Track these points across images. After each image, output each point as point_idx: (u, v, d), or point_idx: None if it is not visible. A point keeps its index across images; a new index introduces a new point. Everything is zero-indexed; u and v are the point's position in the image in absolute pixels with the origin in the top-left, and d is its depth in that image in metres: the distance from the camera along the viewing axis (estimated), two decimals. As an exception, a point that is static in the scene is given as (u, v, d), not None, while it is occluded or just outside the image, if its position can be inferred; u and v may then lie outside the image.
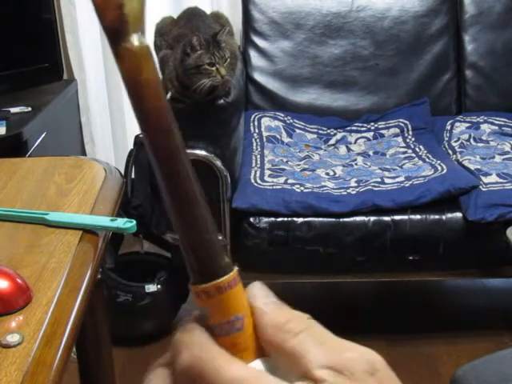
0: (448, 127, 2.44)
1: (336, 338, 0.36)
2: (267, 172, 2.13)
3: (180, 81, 1.92)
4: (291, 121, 2.48)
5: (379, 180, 2.07)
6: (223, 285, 0.36)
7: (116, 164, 2.66)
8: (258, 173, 2.12)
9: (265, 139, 2.38)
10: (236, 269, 0.37)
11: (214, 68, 1.88)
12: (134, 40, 0.32)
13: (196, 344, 0.35)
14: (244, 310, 0.37)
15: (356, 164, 2.26)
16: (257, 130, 2.42)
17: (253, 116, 2.47)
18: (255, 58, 2.56)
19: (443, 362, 2.03)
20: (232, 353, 0.36)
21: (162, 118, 0.35)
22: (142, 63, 0.33)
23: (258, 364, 0.36)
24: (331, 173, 2.17)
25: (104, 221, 0.94)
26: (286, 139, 2.42)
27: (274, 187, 2.01)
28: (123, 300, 2.06)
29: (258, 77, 2.55)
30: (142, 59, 0.33)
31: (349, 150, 2.39)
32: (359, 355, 0.36)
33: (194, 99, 1.91)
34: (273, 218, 1.94)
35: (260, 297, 0.38)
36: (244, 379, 0.33)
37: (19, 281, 0.78)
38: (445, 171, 2.06)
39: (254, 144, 2.34)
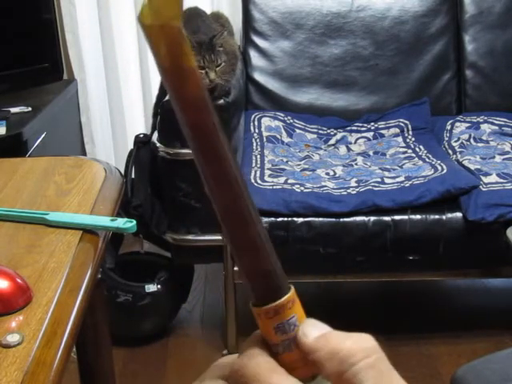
0: (448, 127, 2.44)
1: (399, 378, 0.36)
2: (267, 172, 2.13)
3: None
4: (291, 121, 2.48)
5: (379, 180, 2.07)
6: (283, 305, 0.37)
7: (116, 164, 2.66)
8: (258, 173, 2.12)
9: (265, 139, 2.38)
10: (293, 288, 0.37)
11: (203, 71, 1.88)
12: (181, 26, 0.32)
13: (249, 354, 0.36)
14: None
15: (356, 164, 2.26)
16: (257, 130, 2.42)
17: (253, 116, 2.47)
18: (255, 58, 2.56)
19: (443, 361, 2.03)
20: (290, 370, 0.36)
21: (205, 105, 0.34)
22: (187, 49, 0.33)
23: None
24: (331, 173, 2.17)
25: (104, 221, 0.94)
26: (286, 139, 2.42)
27: (274, 187, 2.01)
28: (123, 300, 2.06)
29: (258, 77, 2.55)
30: (186, 45, 0.33)
31: (349, 149, 2.39)
32: None
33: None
34: (273, 218, 1.94)
35: (319, 327, 0.38)
36: None
37: (19, 281, 0.78)
38: (445, 171, 2.06)
39: (254, 144, 2.34)
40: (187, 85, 0.33)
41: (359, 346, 0.36)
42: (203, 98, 0.33)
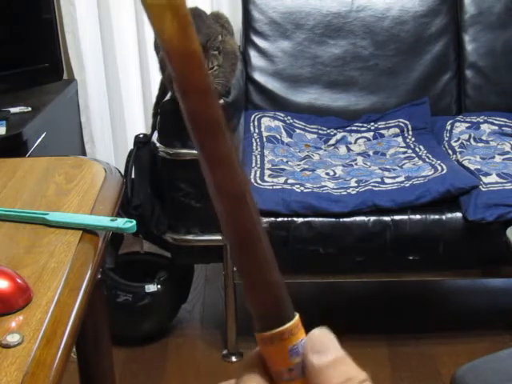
0: (448, 127, 2.44)
1: None
2: (267, 172, 2.13)
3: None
4: (291, 121, 2.48)
5: (379, 180, 2.07)
6: (287, 331, 0.36)
7: (116, 164, 2.66)
8: (258, 173, 2.12)
9: (265, 139, 2.38)
10: (297, 315, 0.37)
11: None
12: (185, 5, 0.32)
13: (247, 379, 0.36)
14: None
15: (356, 164, 2.25)
16: (257, 130, 2.42)
17: (253, 116, 2.47)
18: (255, 58, 2.56)
19: (443, 361, 2.03)
20: None
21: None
22: (191, 31, 0.33)
23: None
24: (331, 173, 2.17)
25: (104, 221, 0.94)
26: (286, 139, 2.42)
27: (274, 187, 2.01)
28: (123, 300, 2.06)
29: (258, 77, 2.55)
30: (191, 27, 0.33)
31: (349, 149, 2.39)
32: None
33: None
34: (273, 218, 1.94)
35: (322, 350, 0.36)
36: None
37: (19, 281, 0.78)
38: (445, 171, 2.05)
39: (254, 144, 2.34)
40: (190, 68, 0.33)
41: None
42: (206, 82, 0.33)
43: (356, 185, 2.05)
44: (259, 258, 0.36)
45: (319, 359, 0.35)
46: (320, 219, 1.95)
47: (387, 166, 2.21)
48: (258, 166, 2.18)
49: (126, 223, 0.92)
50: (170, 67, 0.32)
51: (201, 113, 0.34)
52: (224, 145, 0.34)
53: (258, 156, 2.25)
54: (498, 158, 2.20)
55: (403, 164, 2.21)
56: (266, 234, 0.36)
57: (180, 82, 0.33)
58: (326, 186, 2.04)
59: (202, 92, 0.33)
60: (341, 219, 1.95)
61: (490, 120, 2.45)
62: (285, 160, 2.25)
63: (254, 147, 2.31)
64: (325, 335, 0.36)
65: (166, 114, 1.98)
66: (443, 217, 1.95)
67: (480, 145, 2.32)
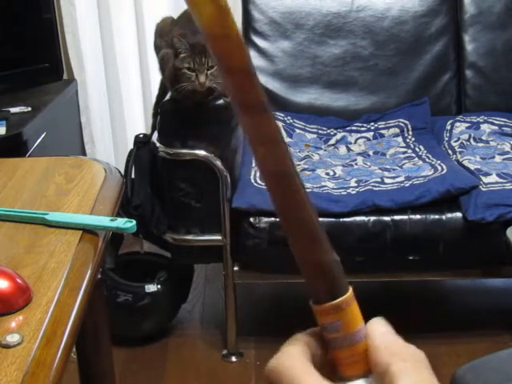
0: (448, 127, 2.44)
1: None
2: (267, 172, 2.13)
3: (176, 81, 1.92)
4: (291, 121, 2.48)
5: (379, 180, 2.07)
6: (349, 299, 0.40)
7: (116, 164, 2.66)
8: (258, 173, 2.12)
9: (265, 139, 2.37)
10: (351, 287, 0.41)
11: (193, 73, 1.87)
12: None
13: (286, 353, 0.38)
14: (363, 323, 0.41)
15: (356, 164, 2.25)
16: (257, 130, 2.41)
17: (253, 116, 2.47)
18: (255, 58, 2.56)
19: (443, 361, 2.03)
20: (347, 364, 0.39)
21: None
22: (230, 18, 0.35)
23: (360, 383, 0.40)
24: (331, 173, 2.17)
25: (104, 221, 0.94)
26: (286, 139, 2.42)
27: (274, 187, 2.01)
28: (123, 300, 2.06)
29: (257, 77, 2.55)
30: (230, 15, 0.34)
31: (349, 149, 2.39)
32: None
33: (194, 99, 1.91)
34: (273, 218, 1.94)
35: (382, 327, 0.42)
36: None
37: (19, 281, 0.78)
38: (445, 171, 2.05)
39: (254, 144, 2.33)
40: (229, 49, 0.34)
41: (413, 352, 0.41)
42: (246, 63, 0.35)
43: (356, 185, 2.05)
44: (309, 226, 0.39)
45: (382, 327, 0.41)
46: (320, 219, 1.94)
47: (387, 166, 2.21)
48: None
49: (125, 223, 0.92)
50: (211, 51, 0.34)
51: (244, 92, 0.35)
52: (267, 121, 0.36)
53: (258, 156, 2.25)
54: (497, 158, 2.20)
55: (403, 164, 2.21)
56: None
57: (221, 64, 0.35)
58: (325, 186, 2.04)
59: (244, 72, 0.35)
60: (341, 219, 1.95)
61: (490, 120, 2.45)
62: (285, 160, 2.25)
63: (254, 147, 2.31)
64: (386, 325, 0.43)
65: (166, 114, 1.98)
66: (443, 217, 1.95)
67: (480, 145, 2.32)
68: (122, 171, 2.11)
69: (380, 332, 0.40)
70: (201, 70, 1.86)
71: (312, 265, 0.39)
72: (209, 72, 1.86)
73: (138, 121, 2.77)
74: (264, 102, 0.36)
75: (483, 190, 1.96)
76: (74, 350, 1.16)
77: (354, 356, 0.40)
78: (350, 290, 0.40)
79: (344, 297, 0.39)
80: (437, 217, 1.95)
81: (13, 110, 2.16)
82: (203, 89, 1.87)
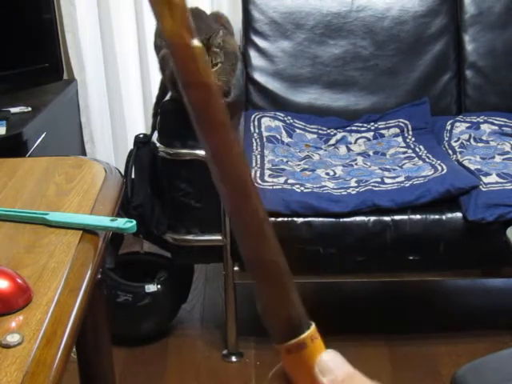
0: (448, 127, 2.44)
1: None
2: (267, 172, 2.13)
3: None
4: (291, 121, 2.48)
5: (379, 180, 2.07)
6: (306, 340, 0.38)
7: (116, 164, 2.66)
8: (258, 173, 2.12)
9: (265, 139, 2.37)
10: (313, 324, 0.39)
11: None
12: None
13: None
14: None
15: (356, 164, 2.25)
16: (257, 130, 2.41)
17: (253, 116, 2.47)
18: (255, 58, 2.56)
19: (443, 362, 2.03)
20: None
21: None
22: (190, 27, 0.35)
23: None
24: (331, 173, 2.17)
25: (104, 221, 0.94)
26: (286, 139, 2.42)
27: (274, 187, 2.01)
28: (123, 300, 2.06)
29: (258, 77, 2.55)
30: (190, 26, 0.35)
31: (349, 149, 2.39)
32: None
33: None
34: (273, 218, 1.94)
35: (331, 371, 0.38)
36: None
37: (19, 281, 0.78)
38: (445, 171, 2.05)
39: (254, 144, 2.34)
40: (190, 62, 0.35)
41: None
42: (207, 76, 0.36)
43: (356, 185, 2.05)
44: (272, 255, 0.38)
45: (330, 380, 0.37)
46: (320, 219, 1.95)
47: (387, 166, 2.21)
48: (258, 165, 2.18)
49: (126, 223, 0.92)
50: (173, 62, 0.35)
51: (203, 105, 0.35)
52: (226, 137, 0.36)
53: (258, 156, 2.25)
54: (498, 158, 2.20)
55: (403, 164, 2.21)
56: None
57: (182, 76, 0.35)
58: (326, 186, 2.04)
59: (204, 85, 0.35)
60: (341, 219, 1.95)
61: (490, 120, 2.45)
62: (285, 160, 2.25)
63: (254, 147, 2.31)
64: (332, 357, 0.38)
65: (166, 113, 1.98)
66: (443, 217, 1.95)
67: (480, 145, 2.32)
68: (122, 171, 2.11)
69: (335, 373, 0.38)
70: None
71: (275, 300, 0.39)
72: (213, 70, 1.87)
73: (138, 121, 2.77)
74: (221, 116, 0.36)
75: (483, 190, 1.96)
76: (74, 349, 1.16)
77: None
78: (313, 326, 0.39)
79: (305, 334, 0.38)
80: (437, 217, 1.95)
81: (13, 109, 2.16)
82: None
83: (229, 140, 0.36)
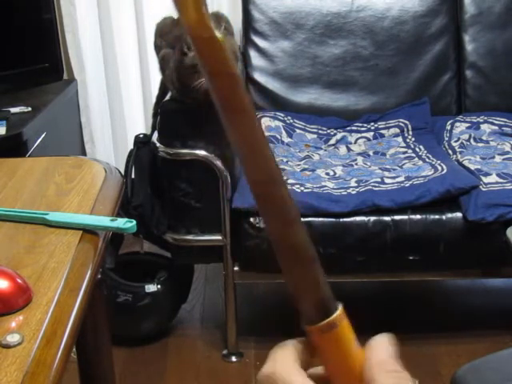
0: (448, 127, 2.44)
1: None
2: (267, 172, 2.13)
3: (180, 81, 1.92)
4: (291, 121, 2.48)
5: (379, 180, 2.07)
6: (337, 320, 0.41)
7: (116, 164, 2.66)
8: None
9: (265, 139, 2.37)
10: (341, 304, 0.42)
11: None
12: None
13: (280, 358, 0.40)
14: (354, 337, 0.42)
15: (356, 164, 2.25)
16: (257, 130, 2.41)
17: (253, 116, 2.47)
18: (255, 58, 2.56)
19: (443, 361, 2.03)
20: (339, 375, 0.41)
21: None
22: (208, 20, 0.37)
23: None
24: (331, 173, 2.17)
25: (104, 221, 0.94)
26: (286, 139, 2.42)
27: (274, 187, 2.01)
28: (123, 300, 2.06)
29: (258, 77, 2.55)
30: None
31: (349, 149, 2.39)
32: None
33: (194, 99, 1.91)
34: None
35: (384, 347, 0.43)
36: None
37: (19, 281, 0.78)
38: (445, 171, 2.05)
39: (254, 144, 2.33)
40: (211, 52, 0.37)
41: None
42: (229, 65, 0.37)
43: (356, 185, 2.05)
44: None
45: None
46: (320, 219, 1.95)
47: (387, 166, 2.21)
48: (258, 165, 2.17)
49: (126, 223, 0.92)
50: (197, 54, 0.37)
51: (231, 93, 0.37)
52: (252, 123, 0.38)
53: (258, 156, 2.25)
54: (497, 158, 2.20)
55: (403, 164, 2.21)
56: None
57: (209, 66, 0.37)
58: (326, 186, 2.04)
59: (232, 75, 0.37)
60: (341, 219, 1.95)
61: (490, 120, 2.45)
62: (285, 160, 2.25)
63: (254, 147, 2.31)
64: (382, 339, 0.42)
65: (166, 113, 1.98)
66: (443, 217, 1.95)
67: (480, 145, 2.32)
68: (122, 171, 2.11)
69: (381, 350, 0.42)
70: None
71: (306, 284, 0.41)
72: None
73: (138, 121, 2.77)
74: (247, 104, 0.37)
75: (483, 190, 1.96)
76: (74, 349, 1.16)
77: (347, 369, 0.42)
78: (340, 306, 0.41)
79: (336, 314, 0.41)
80: (437, 217, 1.95)
81: (13, 109, 2.16)
82: None
83: (254, 126, 0.38)
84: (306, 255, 0.40)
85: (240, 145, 0.38)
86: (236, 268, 2.02)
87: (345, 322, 0.42)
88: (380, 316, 2.29)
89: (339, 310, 0.41)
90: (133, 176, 2.13)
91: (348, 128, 2.49)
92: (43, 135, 2.17)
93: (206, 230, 2.02)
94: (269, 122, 2.45)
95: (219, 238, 1.99)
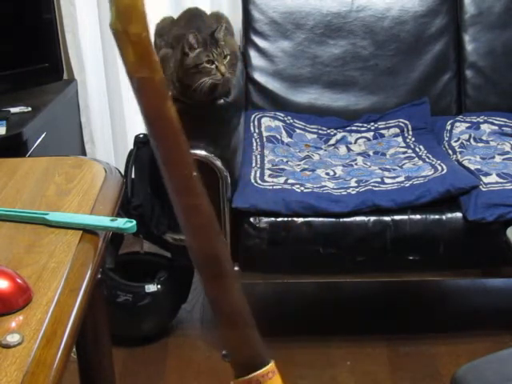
0: (448, 127, 2.44)
1: None
2: (267, 172, 2.13)
3: (181, 81, 1.92)
4: (291, 121, 2.48)
5: (379, 180, 2.07)
6: (265, 374, 0.41)
7: (116, 164, 2.66)
8: (258, 173, 2.12)
9: (265, 139, 2.37)
10: (272, 362, 0.42)
11: (213, 66, 1.88)
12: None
13: None
14: None
15: (356, 164, 2.25)
16: (257, 130, 2.41)
17: (253, 116, 2.47)
18: (255, 58, 2.56)
19: (443, 362, 2.03)
20: None
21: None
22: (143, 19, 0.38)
23: None
24: (331, 173, 2.17)
25: (104, 221, 0.94)
26: (286, 139, 2.42)
27: (274, 187, 2.01)
28: (123, 300, 2.06)
29: (258, 77, 2.55)
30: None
31: (349, 149, 2.39)
32: None
33: (194, 99, 1.91)
34: (273, 218, 1.94)
35: None
36: None
37: (19, 281, 0.78)
38: (445, 171, 2.06)
39: (254, 144, 2.34)
40: (151, 96, 0.39)
41: None
42: (167, 110, 0.38)
43: (356, 185, 2.05)
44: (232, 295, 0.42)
45: None
46: (320, 219, 1.95)
47: (387, 166, 2.21)
48: (258, 165, 2.18)
49: (126, 223, 0.92)
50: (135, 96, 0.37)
51: (166, 139, 0.40)
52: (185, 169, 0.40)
53: (258, 156, 2.25)
54: (497, 158, 2.20)
55: (403, 164, 2.21)
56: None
57: (144, 110, 0.38)
58: (326, 186, 2.04)
59: (164, 119, 0.38)
60: (341, 219, 1.95)
61: (490, 120, 2.45)
62: (285, 160, 2.25)
63: (254, 147, 2.32)
64: None
65: (166, 114, 1.98)
66: (443, 217, 1.95)
67: (480, 145, 2.32)
68: (122, 171, 2.11)
69: None
70: (220, 60, 1.88)
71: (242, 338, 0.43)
72: (225, 61, 1.89)
73: (138, 121, 2.76)
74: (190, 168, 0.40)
75: (483, 190, 1.96)
76: (74, 349, 1.16)
77: None
78: (270, 364, 0.42)
79: (258, 372, 0.41)
80: (437, 217, 1.95)
81: (13, 109, 2.16)
82: (224, 77, 1.88)
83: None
84: (239, 319, 0.42)
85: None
86: (236, 268, 2.02)
87: (274, 379, 0.41)
88: (380, 316, 2.29)
89: (266, 367, 0.42)
90: (133, 176, 2.13)
91: (348, 128, 2.49)
92: (43, 135, 2.17)
93: (206, 230, 2.01)
94: (269, 122, 2.45)
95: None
